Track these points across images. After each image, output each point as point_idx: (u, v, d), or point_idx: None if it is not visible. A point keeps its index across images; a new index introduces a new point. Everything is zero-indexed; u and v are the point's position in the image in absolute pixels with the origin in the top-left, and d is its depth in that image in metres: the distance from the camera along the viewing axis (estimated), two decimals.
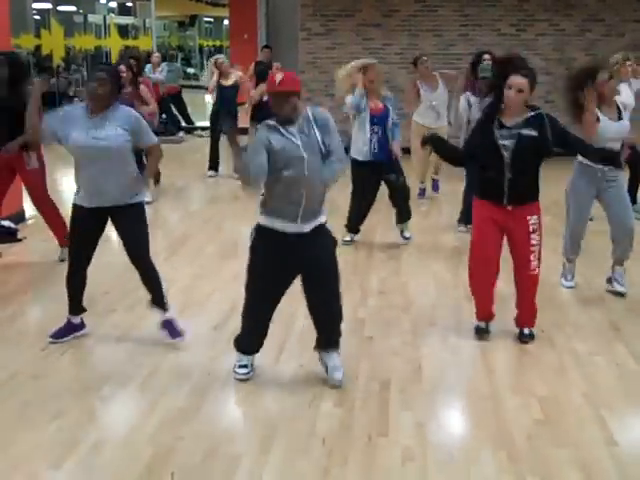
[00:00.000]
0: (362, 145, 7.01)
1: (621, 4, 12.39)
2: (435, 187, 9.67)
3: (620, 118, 5.76)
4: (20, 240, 7.16)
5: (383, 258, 6.85)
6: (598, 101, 5.55)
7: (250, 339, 4.41)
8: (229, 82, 10.62)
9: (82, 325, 5.04)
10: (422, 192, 9.45)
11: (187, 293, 5.82)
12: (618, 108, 5.78)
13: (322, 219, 4.17)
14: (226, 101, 10.61)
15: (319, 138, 4.00)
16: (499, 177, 4.73)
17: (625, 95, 6.49)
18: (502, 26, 12.64)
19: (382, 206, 8.36)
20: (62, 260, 6.33)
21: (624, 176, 6.07)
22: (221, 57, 11.04)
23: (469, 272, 5.04)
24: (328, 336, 4.39)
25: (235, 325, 5.12)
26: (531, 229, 4.82)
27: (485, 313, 5.06)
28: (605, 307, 5.60)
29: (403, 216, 7.41)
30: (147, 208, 5.03)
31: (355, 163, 6.96)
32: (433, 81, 9.13)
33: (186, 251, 6.99)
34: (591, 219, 6.35)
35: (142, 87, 8.53)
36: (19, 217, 7.86)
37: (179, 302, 5.60)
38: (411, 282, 6.13)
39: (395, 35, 12.80)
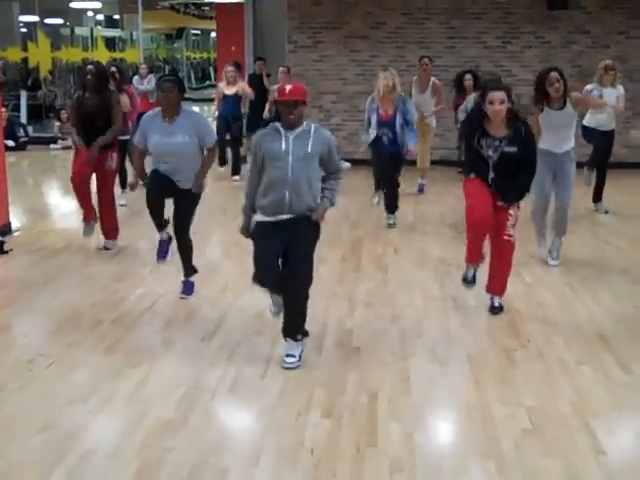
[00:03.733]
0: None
1: (606, 17, 12.49)
2: (420, 190, 10.30)
3: (562, 108, 6.54)
4: (6, 252, 7.12)
5: (370, 270, 6.85)
6: (546, 98, 6.50)
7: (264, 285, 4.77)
8: (230, 92, 11.30)
9: (170, 239, 5.98)
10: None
11: (174, 305, 5.80)
12: (564, 101, 6.52)
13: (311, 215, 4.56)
14: (228, 108, 11.39)
15: (313, 149, 4.47)
16: (485, 173, 5.35)
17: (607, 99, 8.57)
18: (488, 39, 12.72)
19: (368, 219, 8.39)
20: (106, 249, 7.30)
21: (574, 164, 6.78)
22: (230, 67, 11.48)
23: (468, 222, 5.48)
24: (286, 322, 4.74)
25: (223, 336, 5.13)
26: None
27: (477, 257, 5.62)
28: (592, 317, 5.61)
29: (387, 205, 8.42)
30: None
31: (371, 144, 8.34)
32: (425, 84, 10.07)
33: (173, 263, 6.95)
34: None
35: (124, 95, 8.53)
36: (5, 229, 7.83)
37: (166, 314, 5.60)
38: (398, 293, 6.12)
39: (382, 47, 12.85)
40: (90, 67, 7.24)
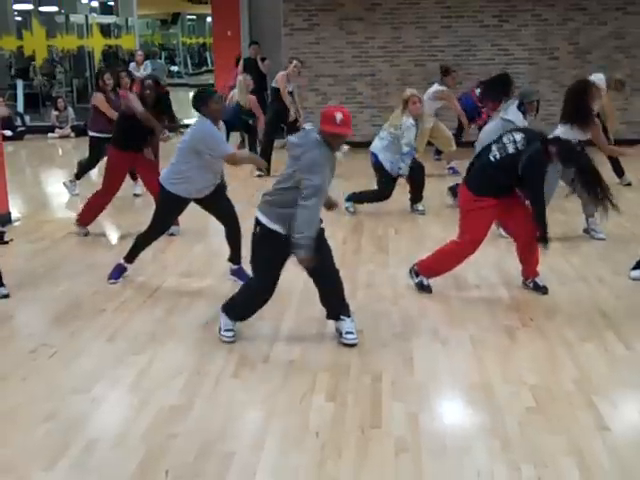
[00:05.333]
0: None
1: None
2: (455, 172, 10.21)
3: None
4: (7, 242, 7.12)
5: (371, 251, 6.85)
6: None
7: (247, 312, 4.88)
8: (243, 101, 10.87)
9: (127, 269, 6.07)
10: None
11: (176, 291, 5.80)
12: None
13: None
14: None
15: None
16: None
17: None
18: (484, 17, 12.64)
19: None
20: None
21: None
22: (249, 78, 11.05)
23: (460, 252, 5.57)
24: (330, 306, 4.83)
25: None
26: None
27: (440, 274, 5.73)
28: (593, 294, 5.62)
29: (418, 197, 8.30)
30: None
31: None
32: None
33: (175, 249, 6.97)
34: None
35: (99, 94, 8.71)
36: (5, 219, 7.83)
37: (168, 301, 5.60)
38: (399, 274, 6.11)
39: (378, 28, 12.78)
40: (149, 82, 7.17)
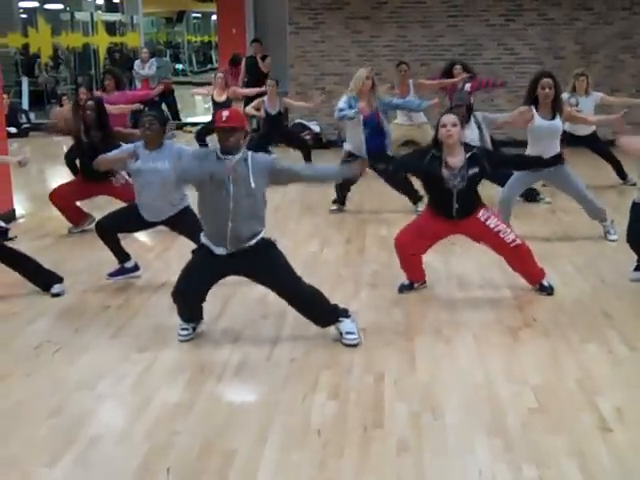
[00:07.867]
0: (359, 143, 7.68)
1: None
2: None
3: (553, 119, 6.61)
4: (11, 239, 7.13)
5: (374, 251, 6.85)
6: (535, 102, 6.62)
7: (182, 311, 4.90)
8: (222, 99, 10.78)
9: (136, 267, 6.12)
10: None
11: None
12: (554, 111, 6.61)
13: (256, 239, 4.61)
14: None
15: (251, 179, 4.47)
16: (448, 206, 5.28)
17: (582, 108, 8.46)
18: (491, 16, 12.61)
19: (372, 201, 8.38)
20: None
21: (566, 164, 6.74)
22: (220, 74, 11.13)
23: (398, 246, 5.62)
24: (317, 320, 4.78)
25: (228, 321, 5.14)
26: (483, 219, 5.34)
27: (416, 277, 5.73)
28: (596, 295, 5.61)
29: (412, 198, 8.04)
30: None
31: (351, 154, 7.70)
32: (405, 89, 9.79)
33: (178, 247, 6.96)
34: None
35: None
36: (10, 216, 7.85)
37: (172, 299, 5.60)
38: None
39: (384, 27, 12.76)
40: (91, 103, 7.13)
